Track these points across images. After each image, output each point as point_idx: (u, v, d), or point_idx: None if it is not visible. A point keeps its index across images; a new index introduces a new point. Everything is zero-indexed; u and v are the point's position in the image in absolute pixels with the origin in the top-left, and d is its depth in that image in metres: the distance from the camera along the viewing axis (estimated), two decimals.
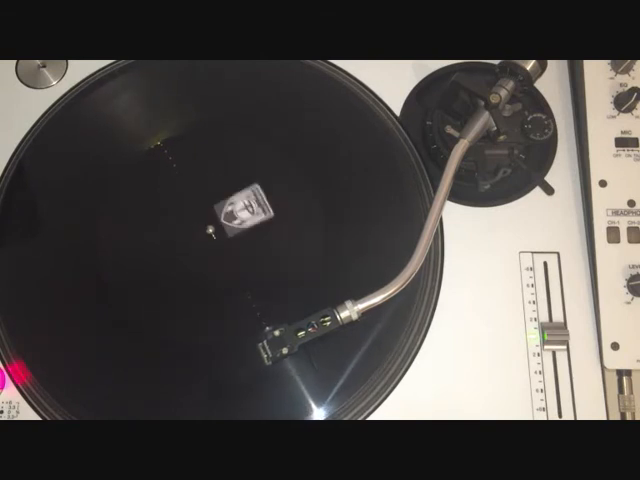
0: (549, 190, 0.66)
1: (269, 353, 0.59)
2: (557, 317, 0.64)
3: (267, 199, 0.65)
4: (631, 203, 0.66)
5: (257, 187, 0.64)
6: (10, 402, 0.62)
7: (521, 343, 0.64)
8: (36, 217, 0.70)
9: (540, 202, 0.68)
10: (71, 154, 0.72)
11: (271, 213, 0.64)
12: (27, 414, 0.62)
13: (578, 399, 0.62)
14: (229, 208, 0.64)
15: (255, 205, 0.64)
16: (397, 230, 0.66)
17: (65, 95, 0.74)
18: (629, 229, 0.65)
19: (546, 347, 0.63)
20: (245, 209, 0.65)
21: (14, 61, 0.76)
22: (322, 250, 0.66)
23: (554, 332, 0.63)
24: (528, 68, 0.63)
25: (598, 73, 0.69)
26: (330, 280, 0.65)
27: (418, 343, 0.63)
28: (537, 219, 0.68)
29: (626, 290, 0.63)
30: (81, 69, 0.75)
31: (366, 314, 0.60)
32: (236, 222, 0.65)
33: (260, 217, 0.64)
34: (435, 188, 0.63)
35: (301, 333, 0.59)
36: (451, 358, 0.63)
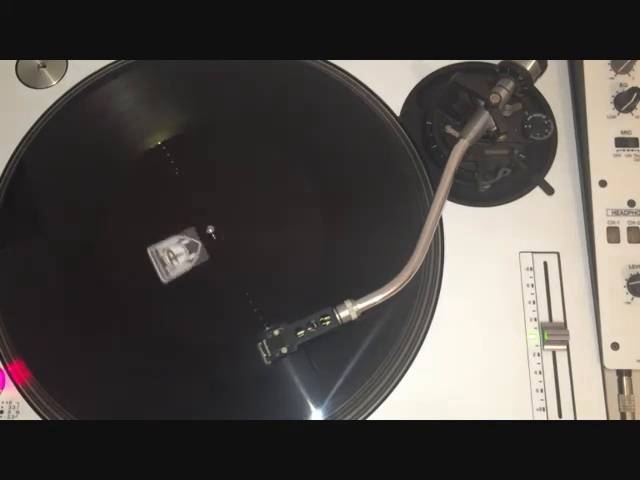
0: (549, 190, 0.66)
1: (268, 352, 0.59)
2: (557, 317, 0.64)
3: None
4: (631, 203, 0.66)
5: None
6: (10, 402, 0.62)
7: (521, 343, 0.64)
8: (36, 217, 0.70)
9: (540, 202, 0.68)
10: (71, 154, 0.72)
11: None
12: (27, 414, 0.62)
13: (578, 399, 0.62)
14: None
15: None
16: (397, 230, 0.66)
17: (65, 95, 0.74)
18: (629, 229, 0.65)
19: (546, 347, 0.63)
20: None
21: (14, 61, 0.76)
22: (322, 250, 0.66)
23: (554, 332, 0.63)
24: (528, 68, 0.63)
25: (598, 73, 0.69)
26: (330, 280, 0.65)
27: (418, 343, 0.63)
28: (537, 219, 0.68)
29: (626, 290, 0.63)
30: (81, 69, 0.75)
31: (366, 314, 0.60)
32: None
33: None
34: (435, 188, 0.63)
35: (300, 332, 0.59)
36: (451, 358, 0.63)
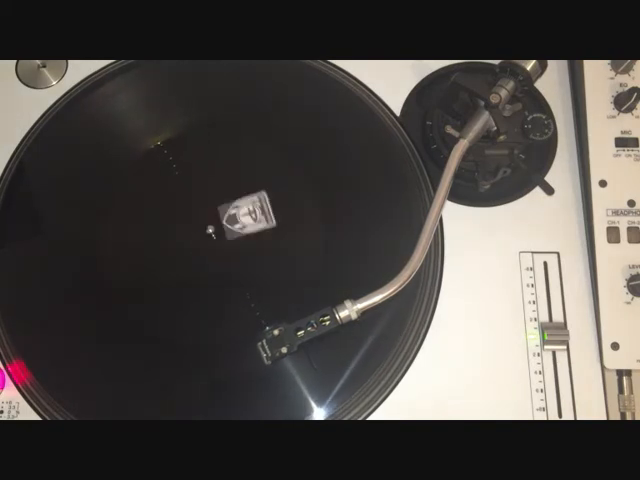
0: (549, 190, 0.66)
1: (268, 352, 0.59)
2: (557, 317, 0.64)
3: (272, 208, 0.65)
4: (631, 203, 0.66)
5: (264, 194, 0.64)
6: (10, 402, 0.62)
7: (521, 343, 0.64)
8: (36, 217, 0.70)
9: (540, 202, 0.68)
10: (71, 154, 0.72)
11: (273, 223, 0.64)
12: (27, 414, 0.62)
13: (578, 399, 0.62)
14: (232, 211, 0.64)
15: (259, 212, 0.64)
16: (397, 230, 0.66)
17: (65, 95, 0.74)
18: (629, 229, 0.65)
19: (546, 347, 0.63)
20: (248, 215, 0.65)
21: (14, 61, 0.76)
22: (322, 250, 0.66)
23: (554, 332, 0.63)
24: (528, 68, 0.63)
25: (598, 73, 0.69)
26: (330, 280, 0.65)
27: (418, 343, 0.63)
28: (537, 219, 0.68)
29: (626, 290, 0.63)
30: (81, 69, 0.75)
31: (366, 314, 0.60)
32: (237, 226, 0.65)
33: (262, 225, 0.64)
34: (435, 188, 0.63)
35: (300, 332, 0.59)
36: (451, 358, 0.63)
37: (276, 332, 0.59)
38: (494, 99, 0.62)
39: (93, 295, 0.66)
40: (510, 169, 0.66)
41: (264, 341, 0.59)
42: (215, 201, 0.68)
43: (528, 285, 0.65)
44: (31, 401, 0.62)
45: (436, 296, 0.65)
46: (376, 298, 0.59)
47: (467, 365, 0.63)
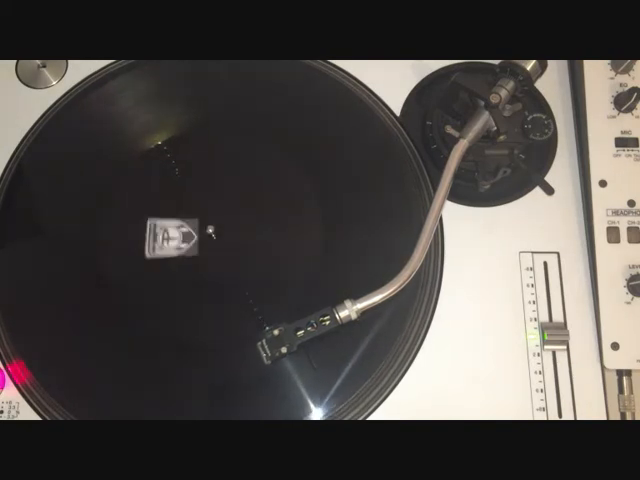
0: (549, 190, 0.66)
1: (268, 352, 0.59)
2: (557, 317, 0.64)
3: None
4: (631, 203, 0.66)
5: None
6: (10, 402, 0.62)
7: (521, 343, 0.64)
8: (36, 217, 0.70)
9: (540, 202, 0.68)
10: (71, 154, 0.72)
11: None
12: (27, 414, 0.62)
13: (578, 399, 0.62)
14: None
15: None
16: (397, 230, 0.66)
17: (65, 95, 0.74)
18: (629, 229, 0.65)
19: (546, 347, 0.63)
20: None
21: (14, 61, 0.76)
22: (322, 250, 0.66)
23: (554, 332, 0.63)
24: (528, 68, 0.63)
25: (598, 73, 0.69)
26: (330, 280, 0.65)
27: (418, 343, 0.63)
28: (537, 219, 0.68)
29: (626, 290, 0.63)
30: (81, 69, 0.75)
31: (366, 314, 0.59)
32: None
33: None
34: (435, 188, 0.63)
35: (300, 332, 0.59)
36: (451, 358, 0.63)
37: (276, 332, 0.59)
38: (494, 99, 0.62)
39: (93, 295, 0.66)
40: (510, 169, 0.66)
41: (264, 341, 0.59)
42: (215, 201, 0.69)
43: (528, 285, 0.65)
44: (31, 401, 0.62)
45: (436, 296, 0.65)
46: (376, 298, 0.59)
47: (467, 365, 0.63)
